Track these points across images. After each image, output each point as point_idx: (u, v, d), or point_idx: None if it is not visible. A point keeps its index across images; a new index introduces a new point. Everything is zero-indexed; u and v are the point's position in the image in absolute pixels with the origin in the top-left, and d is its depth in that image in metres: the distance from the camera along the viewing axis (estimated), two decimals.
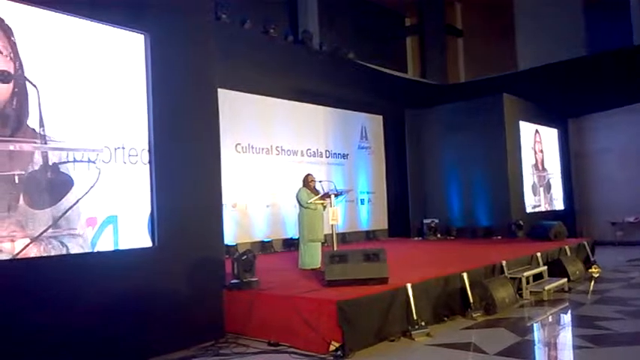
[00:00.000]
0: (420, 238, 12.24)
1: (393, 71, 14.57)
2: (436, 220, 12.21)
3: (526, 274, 7.19)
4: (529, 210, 12.23)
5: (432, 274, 6.09)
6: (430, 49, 16.62)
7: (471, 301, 6.05)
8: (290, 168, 10.54)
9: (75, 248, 4.49)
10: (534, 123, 12.91)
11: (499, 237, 11.34)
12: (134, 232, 4.96)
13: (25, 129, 4.24)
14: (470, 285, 6.12)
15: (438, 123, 12.77)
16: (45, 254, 4.29)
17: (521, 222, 11.21)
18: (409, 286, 5.35)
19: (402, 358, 4.61)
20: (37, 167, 4.28)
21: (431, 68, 16.49)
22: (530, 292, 7.08)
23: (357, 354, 4.68)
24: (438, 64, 16.58)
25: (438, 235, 12.11)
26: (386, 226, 13.05)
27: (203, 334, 5.23)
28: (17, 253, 4.13)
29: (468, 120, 12.06)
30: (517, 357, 4.57)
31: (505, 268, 7.11)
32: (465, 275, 6.15)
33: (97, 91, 4.77)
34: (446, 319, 5.84)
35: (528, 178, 12.41)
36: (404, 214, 12.92)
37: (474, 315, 5.95)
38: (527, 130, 12.56)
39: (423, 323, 5.26)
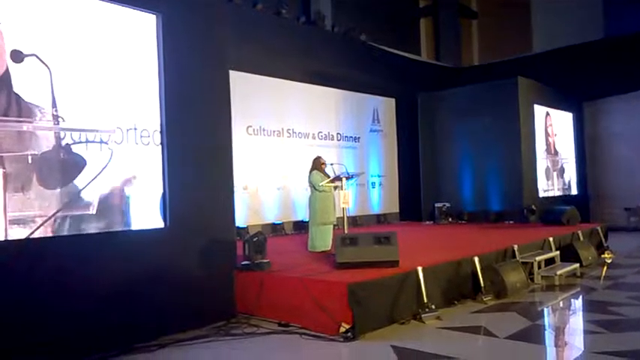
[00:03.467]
0: (432, 222, 12.21)
1: (406, 53, 14.41)
2: (448, 204, 12.17)
3: (538, 258, 7.15)
4: (542, 194, 12.13)
5: (443, 258, 6.08)
6: (444, 31, 16.39)
7: (482, 285, 6.03)
8: (301, 151, 10.52)
9: (88, 228, 4.53)
10: (549, 106, 12.73)
11: (511, 221, 11.27)
12: (146, 213, 4.98)
13: (38, 110, 4.25)
14: (481, 269, 6.10)
15: (452, 106, 12.64)
16: (58, 234, 4.33)
17: (533, 206, 11.12)
18: (420, 269, 5.34)
19: (412, 340, 4.62)
20: (50, 148, 4.30)
21: (445, 50, 16.28)
22: (542, 276, 7.06)
23: (367, 336, 4.71)
24: (452, 46, 16.37)
25: (450, 219, 12.08)
26: (397, 210, 13.04)
27: (215, 315, 5.28)
28: (31, 233, 4.17)
29: (481, 103, 11.93)
30: (528, 341, 4.56)
31: (517, 253, 7.08)
32: (476, 259, 6.13)
33: (109, 72, 4.76)
34: (456, 302, 5.83)
35: (541, 162, 12.28)
36: (415, 197, 12.87)
37: (485, 299, 5.94)
38: (539, 113, 12.40)
39: (433, 306, 5.27)
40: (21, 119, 4.15)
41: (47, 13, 4.36)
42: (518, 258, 7.01)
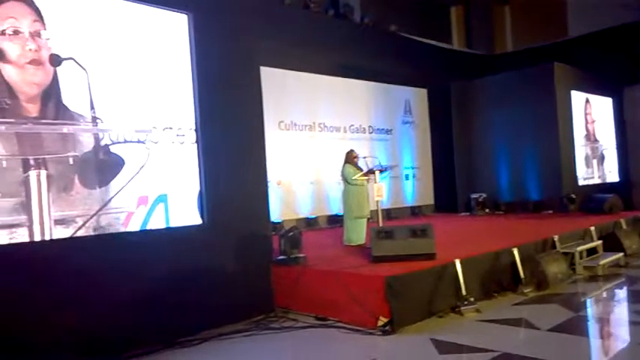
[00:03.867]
0: (468, 214, 12.03)
1: (437, 42, 14.19)
2: (484, 195, 11.95)
3: (579, 248, 6.98)
4: (581, 183, 11.80)
5: (481, 250, 5.99)
6: (475, 18, 16.06)
7: (522, 276, 5.93)
8: (333, 144, 10.50)
9: (128, 226, 4.63)
10: (587, 92, 12.35)
11: (550, 211, 11.01)
12: (184, 210, 5.07)
13: (78, 111, 4.37)
14: (520, 260, 5.99)
15: (486, 94, 12.41)
16: (99, 232, 4.45)
17: (573, 195, 10.82)
18: (458, 261, 5.28)
19: (452, 333, 4.57)
20: (89, 149, 4.42)
21: (476, 38, 15.96)
22: (584, 267, 6.88)
23: (405, 329, 4.69)
24: (484, 33, 16.02)
25: (486, 210, 11.86)
26: (432, 202, 12.90)
27: (253, 309, 5.34)
28: (74, 232, 4.30)
29: (517, 91, 11.66)
30: (571, 333, 4.47)
31: (557, 243, 6.92)
32: (515, 250, 6.02)
33: (143, 73, 4.86)
34: (496, 295, 5.75)
35: (580, 149, 11.94)
36: (450, 189, 12.70)
37: (525, 291, 5.84)
38: (578, 99, 12.04)
39: (472, 299, 5.20)
40: (62, 122, 4.27)
41: (82, 16, 4.46)
42: (558, 248, 6.85)
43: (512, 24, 16.90)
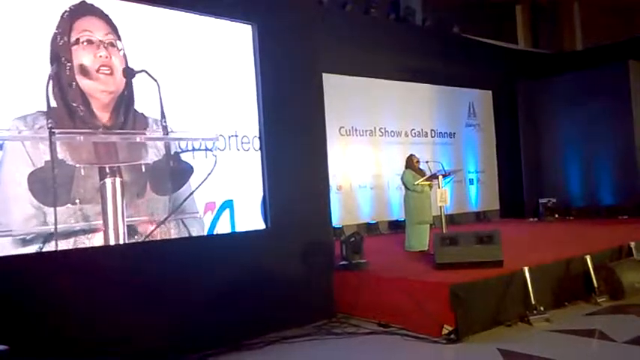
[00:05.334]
0: (536, 219, 11.58)
1: (502, 43, 13.79)
2: (553, 200, 11.47)
3: None
4: None
5: (551, 257, 5.78)
6: (542, 16, 15.48)
7: (595, 285, 5.65)
8: (394, 149, 10.42)
9: (196, 231, 4.81)
10: None
11: (625, 216, 10.43)
12: (249, 216, 5.20)
13: (150, 121, 4.59)
14: (593, 268, 5.72)
15: (555, 95, 11.94)
16: (169, 237, 4.64)
17: None
18: (526, 269, 5.11)
19: (520, 343, 4.42)
20: (160, 157, 4.62)
21: (543, 37, 15.37)
22: None
23: (471, 338, 4.58)
24: (552, 31, 15.41)
25: (556, 216, 11.36)
26: (497, 207, 12.51)
27: (315, 314, 5.38)
28: (146, 237, 4.51)
29: (588, 90, 11.15)
30: None
31: (634, 250, 6.53)
32: (587, 258, 5.76)
33: (210, 83, 5.03)
34: (567, 304, 5.52)
35: None
36: (517, 193, 12.30)
37: (599, 300, 5.57)
38: None
39: (541, 308, 5.02)
40: (135, 131, 4.50)
41: (152, 30, 4.69)
42: (635, 256, 6.47)
43: (581, 21, 16.17)
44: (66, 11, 4.20)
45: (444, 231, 6.29)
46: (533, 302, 5.02)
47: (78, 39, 4.23)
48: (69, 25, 4.20)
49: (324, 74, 6.10)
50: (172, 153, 4.70)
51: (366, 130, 10.32)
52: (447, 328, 4.58)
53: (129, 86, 4.50)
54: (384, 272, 5.61)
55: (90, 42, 4.29)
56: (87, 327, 3.96)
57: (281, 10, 5.56)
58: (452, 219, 10.95)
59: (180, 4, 4.86)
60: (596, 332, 4.65)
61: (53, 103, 4.09)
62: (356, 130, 10.17)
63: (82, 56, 4.24)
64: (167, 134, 4.67)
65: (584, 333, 4.65)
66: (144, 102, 4.58)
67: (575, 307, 5.48)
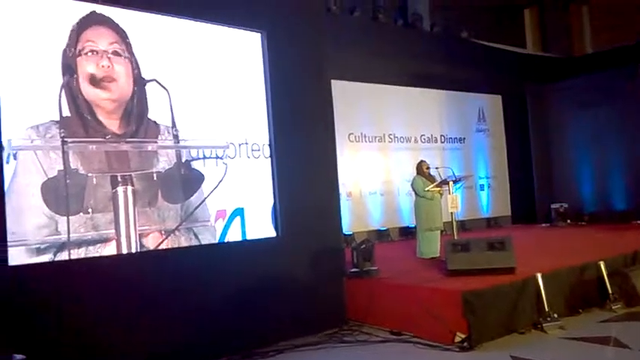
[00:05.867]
0: (548, 225, 11.48)
1: (511, 47, 13.75)
2: (565, 205, 11.37)
3: None
4: None
5: (564, 263, 5.72)
6: (551, 20, 15.43)
7: (610, 291, 5.58)
8: (404, 155, 10.39)
9: (207, 239, 4.81)
10: None
11: (639, 221, 10.31)
12: (259, 223, 5.20)
13: (161, 129, 4.62)
14: (607, 274, 5.65)
15: (565, 99, 11.86)
16: (180, 245, 4.65)
17: None
18: (539, 275, 5.06)
19: (534, 351, 4.37)
20: (171, 165, 4.64)
21: (552, 41, 15.30)
22: None
23: (485, 345, 4.54)
24: (561, 35, 15.34)
25: (568, 221, 11.26)
26: (509, 213, 12.42)
27: (326, 322, 5.36)
28: (158, 245, 4.52)
29: (599, 94, 11.07)
30: None
31: None
32: (601, 264, 5.69)
33: (220, 91, 5.05)
34: (581, 311, 5.44)
35: None
36: (528, 199, 12.21)
37: (614, 307, 5.50)
38: None
39: (555, 315, 4.97)
40: (146, 139, 4.53)
41: (162, 39, 4.72)
42: None
43: (591, 24, 16.07)
44: (76, 23, 4.25)
45: (455, 237, 6.25)
46: (546, 309, 4.97)
47: (82, 49, 4.27)
48: (76, 37, 4.24)
49: (332, 81, 6.11)
50: (183, 161, 4.72)
51: (376, 137, 10.30)
52: (459, 336, 4.54)
53: (138, 94, 4.52)
54: (396, 279, 5.58)
55: (94, 52, 4.32)
56: (100, 335, 3.97)
57: (290, 17, 5.58)
58: (463, 225, 10.89)
59: (190, 13, 4.89)
60: (611, 340, 4.59)
61: (66, 113, 4.13)
62: (365, 136, 10.16)
63: (86, 66, 4.28)
64: (178, 142, 4.69)
65: (599, 340, 4.58)
66: (155, 110, 4.60)
67: (589, 314, 5.41)
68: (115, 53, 4.42)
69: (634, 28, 13.68)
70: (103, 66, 4.34)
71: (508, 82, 12.62)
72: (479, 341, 4.52)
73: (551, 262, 5.86)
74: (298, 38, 5.62)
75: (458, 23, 12.63)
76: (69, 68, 4.18)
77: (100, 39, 4.36)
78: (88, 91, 4.27)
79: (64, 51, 4.18)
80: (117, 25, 4.46)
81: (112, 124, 4.38)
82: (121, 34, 4.48)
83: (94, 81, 4.30)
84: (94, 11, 4.35)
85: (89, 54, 4.30)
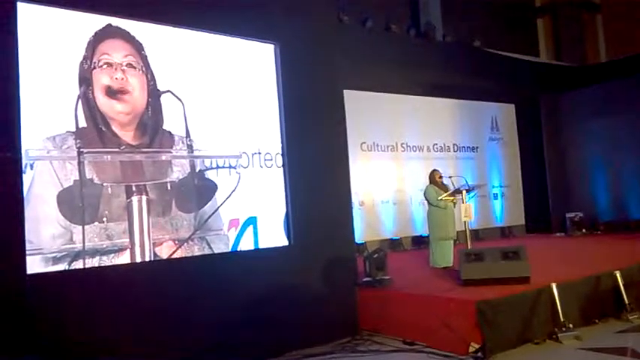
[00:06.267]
0: (563, 234, 11.37)
1: (524, 56, 13.70)
2: (580, 214, 11.26)
3: None
4: None
5: (580, 273, 5.66)
6: (564, 29, 15.35)
7: (626, 302, 5.50)
8: (417, 164, 10.38)
9: (220, 248, 4.84)
10: None
11: None
12: (272, 232, 5.22)
13: (175, 139, 4.67)
14: (624, 284, 5.57)
15: (580, 108, 11.79)
16: (194, 254, 4.68)
17: None
18: (554, 285, 5.01)
19: None
20: (185, 175, 4.69)
21: (566, 49, 15.23)
22: None
23: (499, 356, 4.49)
24: (574, 44, 15.27)
25: (583, 230, 11.15)
26: (523, 222, 12.33)
27: (338, 331, 5.33)
28: (172, 253, 4.56)
29: (613, 103, 11.01)
30: None
31: None
32: (617, 273, 5.61)
33: (233, 101, 5.10)
34: (597, 321, 5.37)
35: None
36: (543, 208, 12.11)
37: (630, 317, 5.41)
38: None
39: (570, 325, 4.90)
40: (161, 150, 4.58)
41: (177, 50, 4.79)
42: None
43: (604, 33, 15.98)
44: (92, 35, 4.33)
45: (469, 247, 6.21)
46: (561, 319, 4.91)
47: (98, 62, 4.34)
48: (92, 49, 4.32)
49: (345, 91, 6.13)
50: (197, 171, 4.77)
51: (388, 146, 10.31)
52: (473, 346, 4.50)
53: (153, 106, 4.58)
54: (409, 289, 5.56)
55: (108, 64, 4.39)
56: (112, 342, 3.99)
57: (303, 29, 5.62)
58: (476, 234, 10.82)
59: (205, 25, 4.95)
60: (628, 350, 4.52)
61: (82, 124, 4.20)
62: (378, 145, 10.17)
63: (101, 79, 4.34)
64: (192, 152, 4.74)
65: (615, 351, 4.52)
66: (170, 121, 4.66)
67: (605, 325, 5.34)
68: (130, 66, 4.49)
69: None
70: (117, 78, 4.41)
71: (521, 91, 12.58)
72: (493, 352, 4.48)
73: (566, 271, 5.82)
74: (311, 49, 5.66)
75: (471, 33, 12.64)
76: (85, 80, 4.26)
77: (115, 51, 4.44)
78: (103, 103, 4.34)
79: (81, 63, 4.26)
80: (133, 37, 4.54)
81: (127, 136, 4.44)
82: (137, 47, 4.55)
83: (109, 93, 4.37)
84: (110, 24, 4.43)
85: (104, 66, 4.37)
